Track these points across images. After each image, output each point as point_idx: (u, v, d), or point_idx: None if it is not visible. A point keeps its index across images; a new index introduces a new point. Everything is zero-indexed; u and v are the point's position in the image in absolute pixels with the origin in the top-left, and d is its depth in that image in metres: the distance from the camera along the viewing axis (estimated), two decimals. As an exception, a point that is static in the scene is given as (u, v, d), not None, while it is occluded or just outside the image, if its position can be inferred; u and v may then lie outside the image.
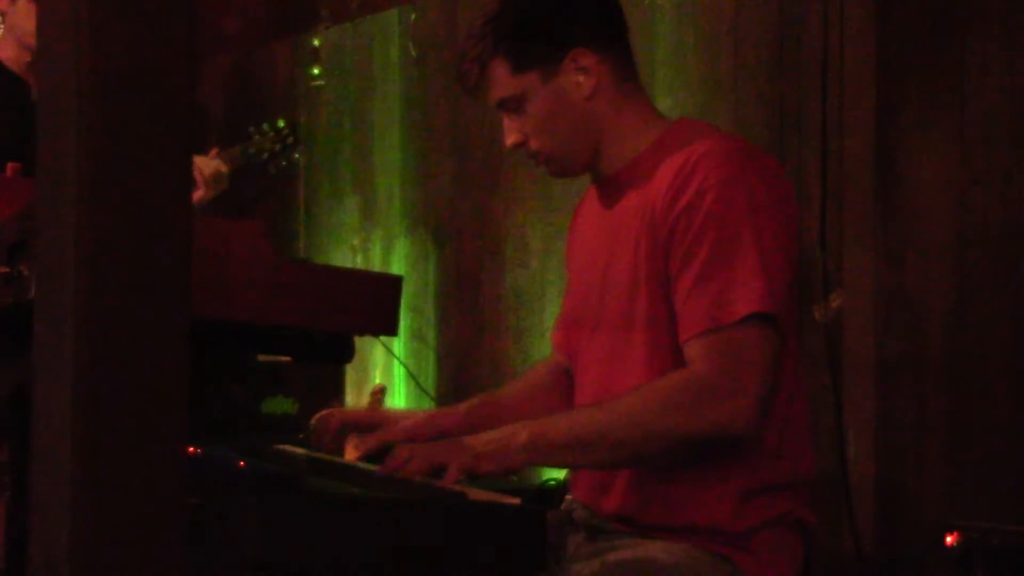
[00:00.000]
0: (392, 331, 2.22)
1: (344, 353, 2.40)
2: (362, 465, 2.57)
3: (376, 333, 2.23)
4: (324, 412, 2.65)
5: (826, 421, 3.45)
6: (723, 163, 2.36)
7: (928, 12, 3.42)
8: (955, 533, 2.95)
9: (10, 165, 2.65)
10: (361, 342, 5.01)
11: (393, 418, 2.66)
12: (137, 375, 1.53)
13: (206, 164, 4.39)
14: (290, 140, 4.71)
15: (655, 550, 2.37)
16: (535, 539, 2.05)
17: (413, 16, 5.00)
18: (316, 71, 5.39)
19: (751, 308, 2.29)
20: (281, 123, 4.75)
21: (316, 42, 5.39)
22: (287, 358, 4.15)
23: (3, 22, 4.17)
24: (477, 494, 2.16)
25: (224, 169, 4.41)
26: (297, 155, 4.80)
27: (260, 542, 1.91)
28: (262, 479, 2.24)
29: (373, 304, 2.21)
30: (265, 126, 4.71)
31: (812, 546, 2.50)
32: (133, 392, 1.53)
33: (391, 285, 2.25)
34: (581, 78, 2.48)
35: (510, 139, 2.55)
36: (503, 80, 2.50)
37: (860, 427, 3.46)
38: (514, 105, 2.51)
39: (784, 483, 2.41)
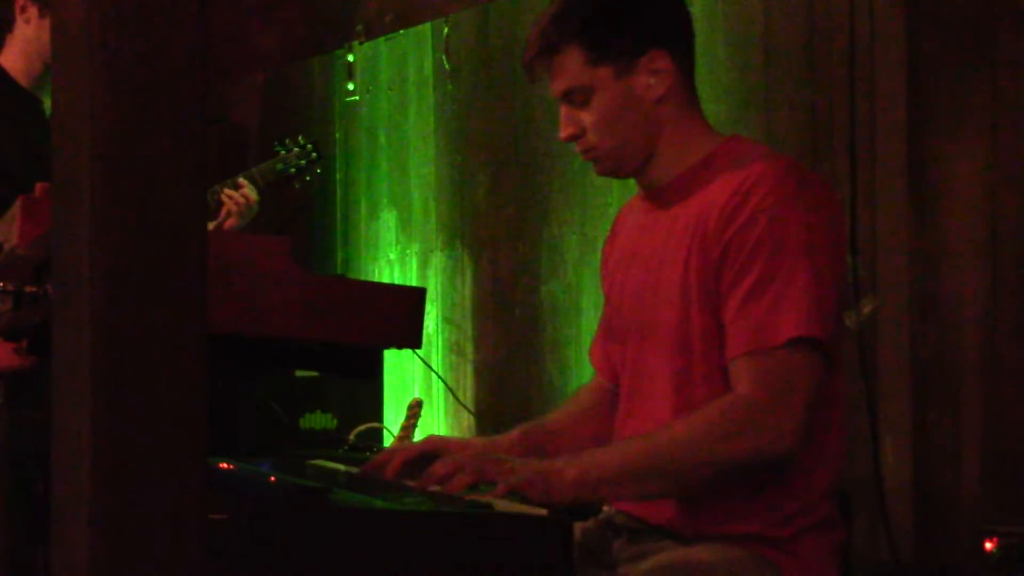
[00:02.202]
0: (416, 343, 2.22)
1: (371, 366, 2.40)
2: (397, 480, 2.57)
3: (401, 345, 2.23)
4: (385, 450, 2.62)
5: (860, 427, 3.43)
6: (778, 186, 2.36)
7: (958, 12, 3.40)
8: (994, 539, 2.93)
9: (39, 186, 2.66)
10: (399, 357, 5.03)
11: (453, 449, 2.61)
12: (155, 391, 1.54)
13: (237, 193, 4.42)
14: (314, 156, 4.79)
15: (701, 552, 2.39)
16: (562, 550, 2.04)
17: (446, 30, 5.01)
18: (351, 86, 5.41)
19: (798, 331, 2.30)
20: (301, 139, 4.82)
21: (350, 57, 5.40)
22: (320, 374, 4.16)
23: (13, 33, 4.17)
24: (503, 505, 2.16)
25: (255, 197, 4.46)
26: (319, 170, 4.86)
27: (285, 556, 1.91)
28: (289, 493, 2.24)
29: (397, 316, 2.21)
30: (288, 141, 4.78)
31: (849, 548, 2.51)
32: (151, 408, 1.53)
33: (415, 297, 2.25)
34: (654, 80, 2.47)
35: (567, 131, 2.51)
36: (575, 69, 2.47)
37: (896, 433, 3.44)
38: (581, 97, 2.48)
39: (824, 490, 2.42)
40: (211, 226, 4.26)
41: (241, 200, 4.40)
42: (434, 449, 2.58)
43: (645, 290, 2.51)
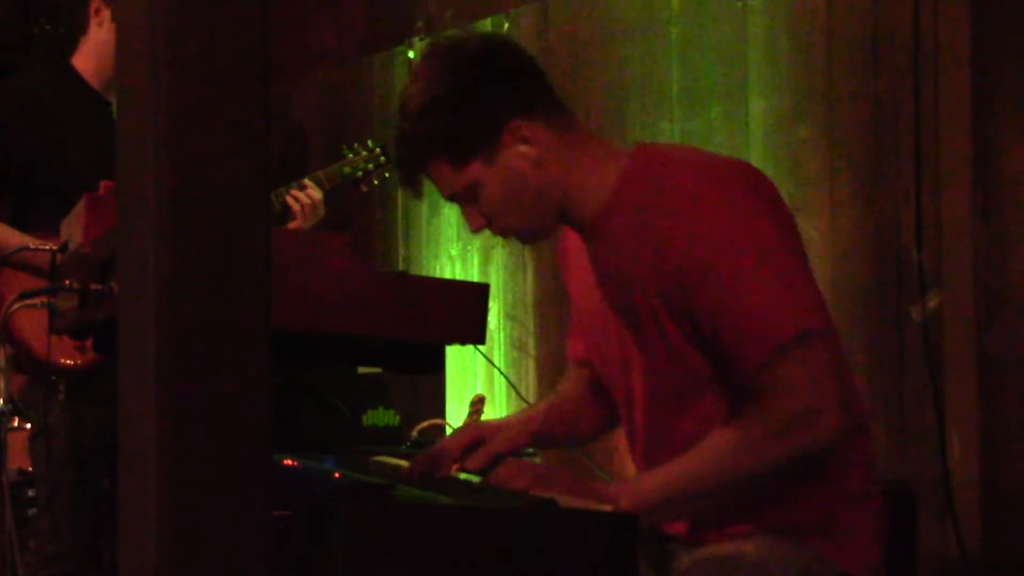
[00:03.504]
0: (480, 339, 2.21)
1: (433, 363, 2.40)
2: (460, 476, 2.58)
3: (464, 342, 2.22)
4: (429, 437, 2.64)
5: (927, 422, 3.41)
6: (699, 201, 2.35)
7: (1023, 2, 3.37)
8: (1063, 533, 2.91)
9: (103, 184, 2.67)
10: (461, 353, 5.03)
11: (493, 433, 2.65)
12: (219, 387, 1.54)
13: (302, 195, 4.44)
14: (382, 159, 4.78)
15: (742, 545, 2.41)
16: (627, 545, 2.04)
17: (506, 25, 5.01)
18: (411, 83, 5.41)
19: (791, 331, 2.30)
20: (371, 142, 4.82)
21: (411, 54, 5.41)
22: (382, 370, 4.17)
23: (87, 36, 4.20)
24: (568, 501, 2.15)
25: (319, 197, 4.47)
26: (388, 174, 4.85)
27: (348, 551, 1.91)
28: (353, 489, 2.25)
29: (460, 313, 2.20)
30: (357, 145, 4.78)
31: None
32: (216, 404, 1.54)
33: (478, 294, 2.24)
34: (524, 148, 2.44)
35: (474, 225, 2.50)
36: (448, 177, 2.45)
37: (963, 427, 3.42)
38: (468, 195, 2.46)
39: (855, 460, 2.43)
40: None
41: (307, 201, 4.42)
42: (477, 438, 2.62)
43: (606, 316, 2.51)
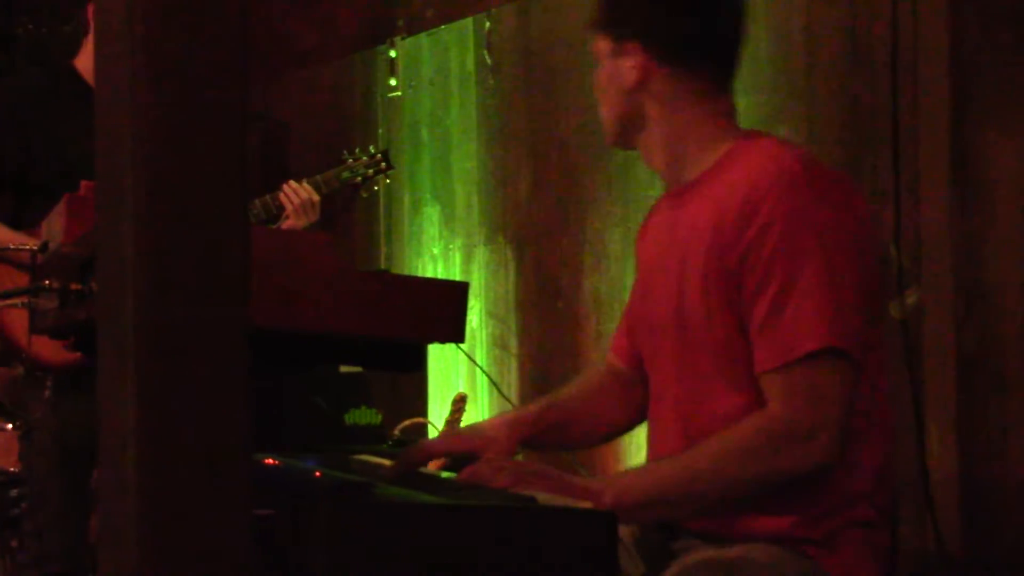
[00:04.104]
0: (460, 338, 2.22)
1: (415, 361, 2.41)
2: (442, 474, 2.58)
3: (444, 340, 2.23)
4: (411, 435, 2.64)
5: (905, 418, 3.42)
6: (791, 190, 2.36)
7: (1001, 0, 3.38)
8: (1041, 529, 2.92)
9: (84, 184, 2.68)
10: (443, 352, 5.03)
11: (486, 443, 2.64)
12: (199, 385, 1.54)
13: (296, 193, 4.43)
14: (383, 165, 4.76)
15: (736, 550, 2.39)
16: (607, 542, 2.04)
17: (488, 24, 5.01)
18: (393, 82, 5.42)
19: (822, 343, 2.31)
20: (372, 148, 4.80)
21: (392, 53, 5.41)
22: (363, 368, 4.17)
23: (88, 37, 4.20)
24: (547, 498, 2.16)
25: (316, 198, 4.46)
26: (388, 180, 4.85)
27: (330, 549, 1.91)
28: (334, 488, 2.25)
29: (440, 311, 2.21)
30: (358, 151, 4.76)
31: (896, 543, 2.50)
32: (195, 403, 1.54)
33: (458, 292, 2.24)
34: (629, 67, 2.53)
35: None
36: (597, 33, 2.59)
37: (941, 423, 3.43)
38: (596, 60, 2.61)
39: (863, 492, 2.41)
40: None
41: (298, 200, 4.40)
42: (471, 450, 2.60)
43: (671, 287, 2.51)
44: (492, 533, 1.98)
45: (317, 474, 2.48)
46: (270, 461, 2.60)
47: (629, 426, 2.76)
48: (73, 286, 2.21)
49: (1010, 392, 3.35)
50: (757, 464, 2.32)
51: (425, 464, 2.61)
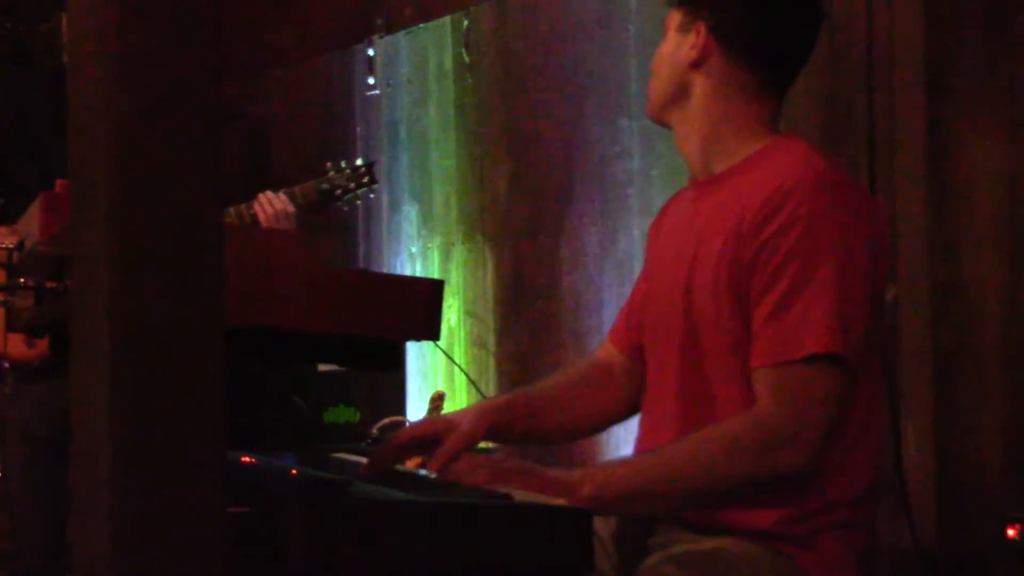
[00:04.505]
0: (435, 336, 2.22)
1: (392, 360, 2.41)
2: (418, 472, 2.58)
3: (419, 338, 2.23)
4: (388, 433, 2.63)
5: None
6: (815, 195, 2.39)
7: (976, -1, 3.40)
8: (1017, 526, 2.93)
9: (59, 181, 2.68)
10: (422, 350, 5.03)
11: (450, 426, 2.63)
12: (172, 383, 1.55)
13: (270, 203, 4.40)
14: (366, 180, 4.61)
15: (712, 542, 2.40)
16: (582, 540, 2.05)
17: (466, 23, 5.01)
18: (371, 80, 5.41)
19: (820, 347, 2.32)
20: (359, 162, 4.70)
21: (370, 52, 5.41)
22: (341, 367, 4.16)
23: None
24: (523, 496, 2.16)
25: (291, 209, 4.41)
26: (372, 195, 4.75)
27: (304, 547, 1.92)
28: (310, 485, 2.25)
29: (415, 309, 2.21)
30: (343, 163, 4.65)
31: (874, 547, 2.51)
32: (169, 400, 1.54)
33: (433, 289, 2.25)
34: (691, 46, 2.57)
35: None
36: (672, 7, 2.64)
37: (917, 420, 3.44)
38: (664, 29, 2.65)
39: (848, 496, 2.43)
40: None
41: (271, 210, 4.36)
42: (434, 433, 2.59)
43: (681, 274, 2.52)
44: (466, 530, 1.99)
45: (293, 472, 2.48)
46: (247, 459, 2.60)
47: (613, 420, 2.76)
48: (48, 284, 2.21)
49: (986, 390, 3.36)
50: (741, 462, 2.33)
51: (399, 456, 2.60)
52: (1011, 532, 2.93)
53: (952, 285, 3.41)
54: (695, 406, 2.47)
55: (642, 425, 2.63)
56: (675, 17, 2.61)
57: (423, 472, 2.54)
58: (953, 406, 3.41)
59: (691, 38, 2.57)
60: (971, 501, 3.37)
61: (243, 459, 2.60)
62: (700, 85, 2.57)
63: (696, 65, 2.57)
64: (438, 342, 4.71)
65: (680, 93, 2.59)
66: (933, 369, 3.43)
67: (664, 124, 2.66)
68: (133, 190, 1.54)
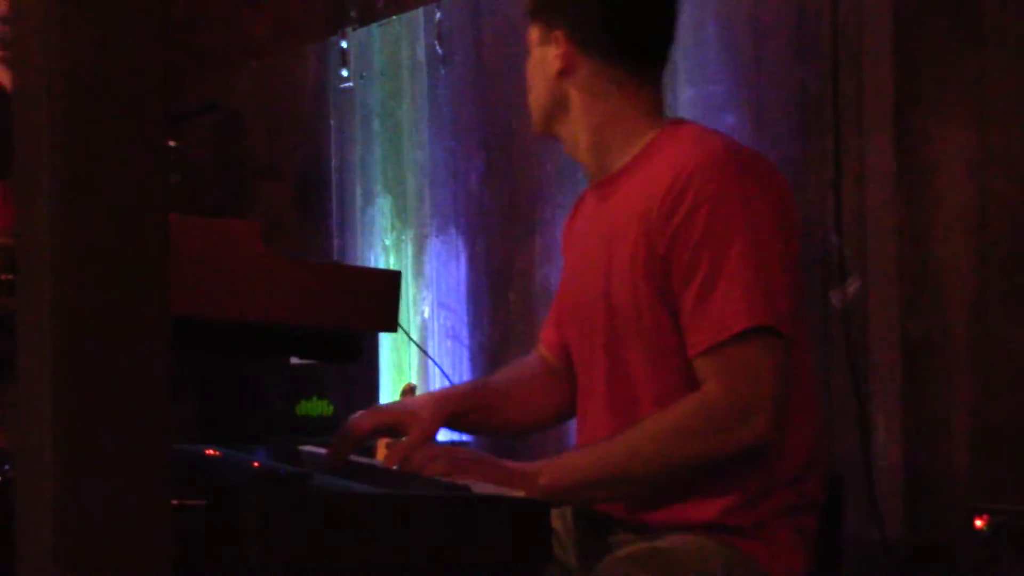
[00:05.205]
0: (392, 327, 2.21)
1: (351, 351, 2.39)
2: (381, 464, 2.57)
3: (376, 329, 2.22)
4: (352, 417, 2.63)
5: (849, 406, 3.43)
6: (715, 175, 2.38)
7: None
8: (984, 516, 2.93)
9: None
10: (396, 342, 5.03)
11: (410, 415, 2.63)
12: (116, 375, 1.54)
13: None
14: None
15: (666, 540, 2.39)
16: (540, 531, 2.04)
17: (438, 15, 5.00)
18: (344, 73, 5.41)
19: (749, 322, 2.32)
20: None
21: (344, 44, 5.40)
22: (298, 358, 4.15)
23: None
24: (481, 487, 2.16)
25: None
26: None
27: (262, 539, 1.91)
28: (269, 478, 2.24)
29: (372, 300, 2.20)
30: None
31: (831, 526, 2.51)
32: (113, 392, 1.53)
33: (390, 280, 2.24)
34: (554, 56, 2.56)
35: None
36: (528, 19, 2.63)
37: (886, 411, 3.44)
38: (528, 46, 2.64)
39: (789, 478, 2.42)
40: None
41: None
42: (395, 422, 2.59)
43: (599, 277, 2.52)
44: (424, 522, 1.98)
45: (255, 464, 2.48)
46: (210, 452, 2.59)
47: (558, 418, 2.76)
48: (3, 276, 2.20)
49: (954, 380, 3.36)
50: (697, 443, 2.32)
51: (359, 443, 2.59)
52: (979, 523, 2.93)
53: (920, 276, 3.41)
54: (623, 406, 2.47)
55: (579, 424, 2.63)
56: (533, 32, 2.60)
57: (383, 464, 2.54)
58: (921, 397, 3.41)
59: (552, 49, 2.55)
60: (939, 492, 3.37)
61: (207, 452, 2.59)
62: (574, 92, 2.56)
63: (564, 74, 2.55)
64: (411, 335, 4.71)
65: (557, 105, 2.58)
66: (901, 359, 3.43)
67: (552, 137, 2.65)
68: (76, 181, 1.53)
